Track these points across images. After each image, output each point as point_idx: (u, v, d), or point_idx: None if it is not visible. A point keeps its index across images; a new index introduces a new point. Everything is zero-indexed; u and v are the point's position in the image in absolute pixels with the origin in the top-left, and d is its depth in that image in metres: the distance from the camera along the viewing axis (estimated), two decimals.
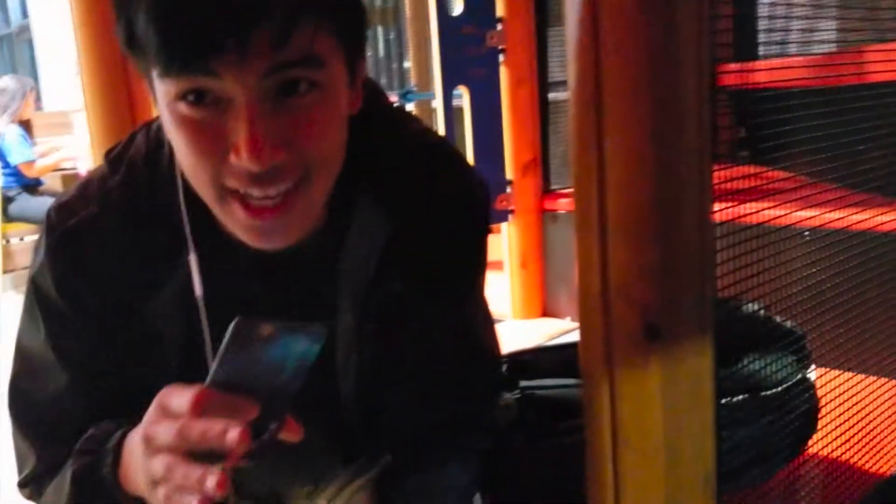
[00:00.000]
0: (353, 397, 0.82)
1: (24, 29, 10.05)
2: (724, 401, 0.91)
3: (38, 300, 0.77)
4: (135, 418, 0.66)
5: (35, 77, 9.34)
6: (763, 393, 0.95)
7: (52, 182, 4.90)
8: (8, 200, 4.46)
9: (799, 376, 1.01)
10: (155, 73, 0.63)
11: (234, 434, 0.57)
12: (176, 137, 0.66)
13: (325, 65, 0.65)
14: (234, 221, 0.68)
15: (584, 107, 0.63)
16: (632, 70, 0.61)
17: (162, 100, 0.65)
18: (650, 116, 0.61)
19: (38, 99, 8.46)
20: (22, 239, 5.08)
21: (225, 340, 0.59)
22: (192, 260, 0.71)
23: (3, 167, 4.44)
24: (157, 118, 0.75)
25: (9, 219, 4.50)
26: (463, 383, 0.84)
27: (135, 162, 0.76)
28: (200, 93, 0.63)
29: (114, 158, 0.78)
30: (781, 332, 0.99)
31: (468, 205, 0.82)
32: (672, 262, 0.62)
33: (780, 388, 0.98)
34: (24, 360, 0.79)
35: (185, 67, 0.61)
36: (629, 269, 0.63)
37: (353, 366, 0.80)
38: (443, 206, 0.79)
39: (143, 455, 0.62)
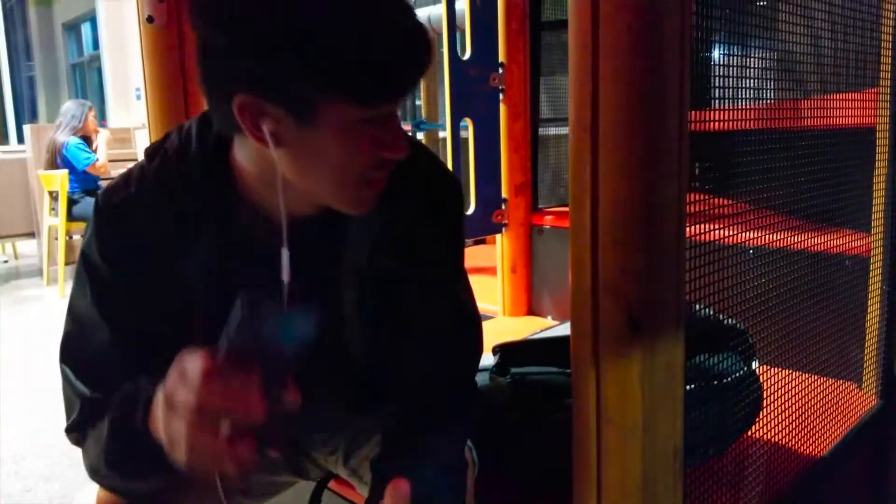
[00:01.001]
0: (361, 358, 0.85)
1: (95, 58, 10.06)
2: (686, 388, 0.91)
3: (86, 267, 0.79)
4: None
5: (102, 99, 9.36)
6: (715, 382, 0.95)
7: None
8: (72, 203, 4.48)
9: (745, 369, 1.01)
10: (346, 102, 0.66)
11: (252, 400, 0.58)
12: (342, 148, 0.69)
13: None
14: (357, 198, 0.74)
15: (582, 132, 0.63)
16: (625, 103, 0.61)
17: (335, 123, 0.67)
18: (639, 143, 0.61)
19: (103, 118, 8.50)
20: (82, 236, 5.07)
21: (232, 314, 0.59)
22: (284, 253, 0.71)
23: (71, 174, 4.46)
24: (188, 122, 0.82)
25: (73, 218, 4.51)
26: (455, 342, 0.85)
27: (168, 153, 0.79)
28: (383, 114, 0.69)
29: (150, 151, 0.81)
30: (731, 332, 0.99)
31: (451, 192, 0.87)
32: (653, 266, 0.62)
33: (729, 379, 0.98)
34: (74, 320, 0.81)
35: (395, 96, 0.69)
36: (616, 271, 0.63)
37: (358, 331, 0.83)
38: (430, 194, 0.84)
39: (163, 414, 0.63)
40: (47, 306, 4.32)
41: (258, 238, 0.78)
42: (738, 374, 0.99)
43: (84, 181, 4.57)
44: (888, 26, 1.20)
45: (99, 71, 9.63)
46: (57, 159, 4.50)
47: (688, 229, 0.79)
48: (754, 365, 1.04)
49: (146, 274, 0.77)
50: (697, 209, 0.86)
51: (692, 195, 0.83)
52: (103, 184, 4.77)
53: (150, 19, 1.23)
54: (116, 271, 0.78)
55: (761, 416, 1.04)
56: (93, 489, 0.85)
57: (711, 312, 0.99)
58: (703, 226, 0.86)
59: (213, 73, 0.68)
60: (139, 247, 0.77)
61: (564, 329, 0.77)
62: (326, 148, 0.69)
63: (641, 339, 0.62)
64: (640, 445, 0.62)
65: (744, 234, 0.97)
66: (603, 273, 0.63)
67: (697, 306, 0.97)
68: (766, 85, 1.05)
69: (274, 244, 0.71)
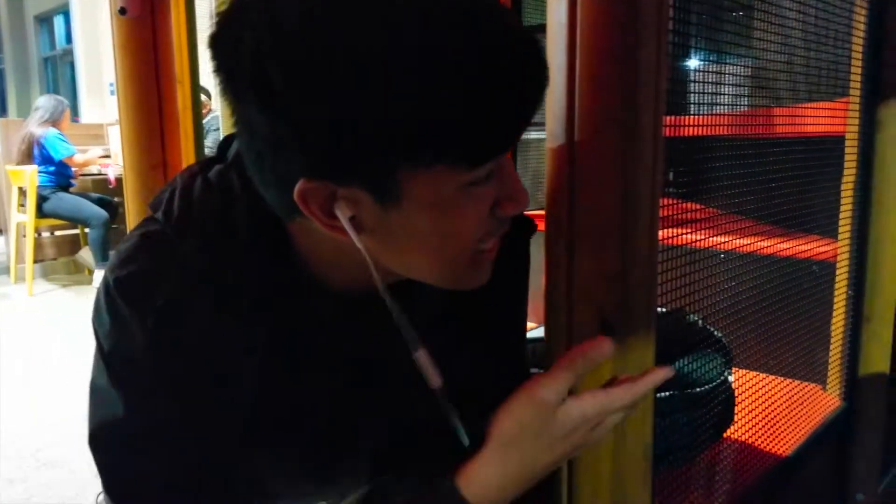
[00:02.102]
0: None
1: (68, 52, 9.90)
2: (659, 395, 0.93)
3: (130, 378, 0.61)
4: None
5: (75, 94, 9.21)
6: (691, 390, 0.96)
7: (83, 184, 4.85)
8: (43, 199, 4.40)
9: (721, 377, 1.03)
10: (450, 165, 0.51)
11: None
12: (446, 222, 0.55)
13: None
14: (471, 273, 0.60)
15: (558, 137, 0.64)
16: (601, 109, 0.62)
17: (431, 195, 0.52)
18: (614, 151, 0.63)
19: (75, 114, 8.36)
20: (52, 233, 5.00)
21: None
22: (423, 354, 0.57)
23: (43, 169, 4.39)
24: (196, 173, 0.64)
25: (42, 215, 4.44)
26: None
27: (207, 231, 0.61)
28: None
29: (177, 221, 0.62)
30: (711, 340, 1.01)
31: (519, 248, 0.78)
32: (626, 271, 0.63)
33: (706, 387, 1.00)
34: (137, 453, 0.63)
35: (509, 144, 0.55)
36: (589, 275, 0.64)
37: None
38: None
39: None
40: (14, 305, 4.25)
41: (326, 317, 0.65)
42: (713, 383, 1.01)
43: (59, 176, 4.50)
44: (858, 38, 1.23)
45: (72, 65, 9.49)
46: (34, 150, 4.43)
47: (661, 233, 0.81)
48: (729, 376, 1.06)
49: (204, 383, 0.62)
50: (671, 214, 0.87)
51: (666, 200, 0.85)
52: (77, 183, 4.71)
53: (122, 11, 1.19)
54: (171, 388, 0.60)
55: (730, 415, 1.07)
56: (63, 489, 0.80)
57: (694, 320, 1.01)
58: (675, 230, 0.88)
59: (265, 163, 0.54)
60: (199, 355, 0.61)
61: (539, 332, 0.78)
62: (423, 225, 0.54)
63: (614, 342, 0.63)
64: (611, 445, 0.63)
65: (716, 238, 0.99)
66: (577, 277, 0.64)
67: (681, 314, 0.99)
68: (740, 93, 1.07)
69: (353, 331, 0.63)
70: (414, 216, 0.53)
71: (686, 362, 0.94)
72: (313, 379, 0.66)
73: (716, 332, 1.01)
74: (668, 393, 0.94)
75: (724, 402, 1.02)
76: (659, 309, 0.99)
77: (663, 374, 0.60)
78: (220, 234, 0.61)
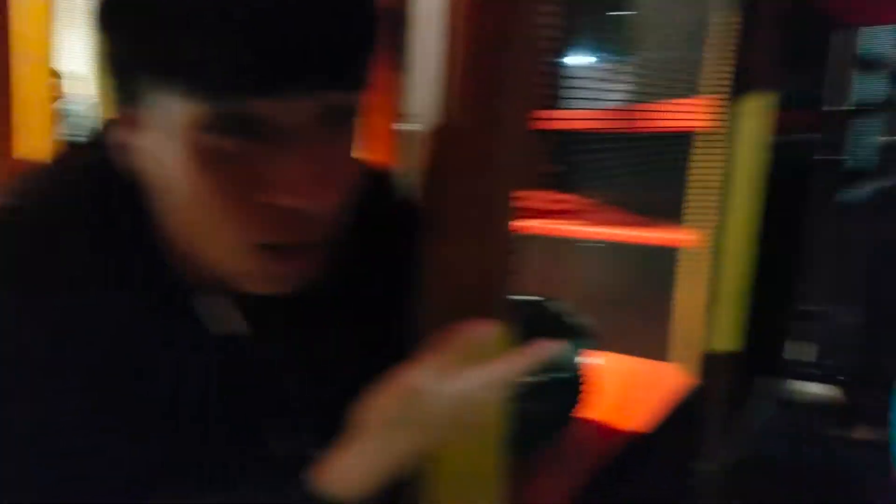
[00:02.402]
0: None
1: None
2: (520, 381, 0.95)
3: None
4: None
5: None
6: (552, 375, 1.00)
7: None
8: None
9: (581, 362, 1.07)
10: (185, 92, 0.44)
11: None
12: (188, 165, 0.46)
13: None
14: (255, 275, 0.52)
15: (426, 125, 0.64)
16: (468, 98, 0.62)
17: (176, 129, 0.45)
18: (479, 139, 0.63)
19: None
20: None
21: None
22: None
23: None
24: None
25: None
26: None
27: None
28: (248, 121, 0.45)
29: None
30: (573, 326, 1.04)
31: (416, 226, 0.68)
32: (486, 259, 0.64)
33: (566, 373, 1.03)
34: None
35: (242, 89, 0.44)
36: (455, 261, 0.64)
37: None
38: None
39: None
40: None
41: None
42: (573, 368, 1.05)
43: None
44: (716, 37, 1.30)
45: None
46: None
47: (531, 223, 0.83)
48: (589, 359, 1.11)
49: None
50: (540, 205, 0.90)
51: (538, 191, 0.87)
52: None
53: None
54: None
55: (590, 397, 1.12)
56: None
57: (556, 306, 1.04)
58: (547, 220, 0.90)
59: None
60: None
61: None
62: (163, 167, 0.47)
63: (481, 327, 0.63)
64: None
65: (585, 228, 1.03)
66: (442, 263, 0.64)
67: (542, 298, 1.02)
68: (615, 89, 1.11)
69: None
70: (156, 149, 0.47)
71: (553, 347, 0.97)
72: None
73: (577, 319, 1.05)
74: (529, 379, 0.97)
75: (583, 385, 1.06)
76: (523, 297, 1.02)
77: (536, 354, 0.60)
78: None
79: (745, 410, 1.97)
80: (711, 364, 1.46)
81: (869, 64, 2.19)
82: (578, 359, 1.05)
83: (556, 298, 0.97)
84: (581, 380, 1.06)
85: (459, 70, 0.62)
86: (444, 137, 0.64)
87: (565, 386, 1.02)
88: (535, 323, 0.96)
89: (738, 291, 1.43)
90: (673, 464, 1.47)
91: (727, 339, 1.45)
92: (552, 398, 1.00)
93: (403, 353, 0.61)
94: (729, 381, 1.48)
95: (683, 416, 1.44)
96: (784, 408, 2.25)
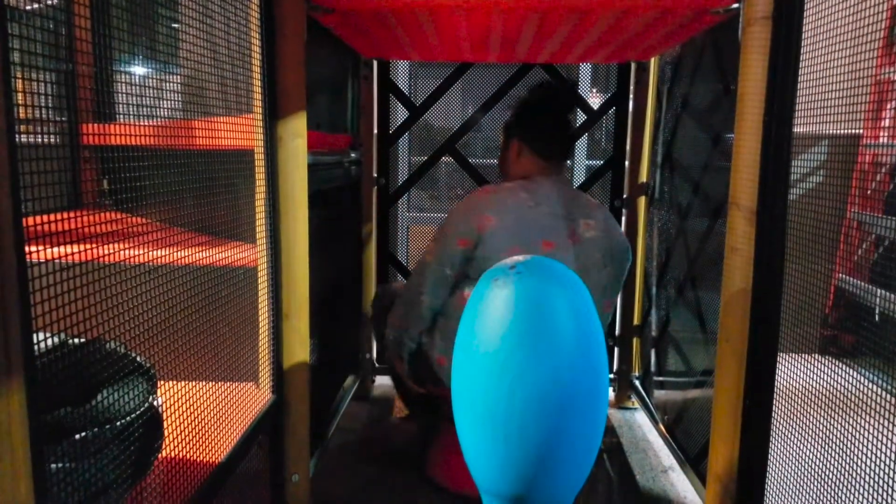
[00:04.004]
0: None
1: None
2: (78, 436, 0.84)
3: None
4: None
5: None
6: (115, 423, 0.90)
7: None
8: None
9: (147, 402, 1.00)
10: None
11: None
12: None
13: None
14: None
15: None
16: None
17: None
18: None
19: None
20: None
21: None
22: None
23: None
24: None
25: None
26: None
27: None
28: None
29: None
30: (134, 366, 0.96)
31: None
32: None
33: (131, 417, 0.94)
34: None
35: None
36: None
37: None
38: None
39: None
40: None
41: None
42: (137, 410, 0.97)
43: None
44: (256, 60, 1.34)
45: None
46: None
47: (70, 248, 0.73)
48: (154, 398, 1.03)
49: None
50: (106, 229, 0.80)
51: (97, 214, 0.77)
52: None
53: None
54: None
55: (166, 437, 1.04)
56: None
57: (114, 346, 0.94)
58: (89, 245, 0.81)
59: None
60: None
61: None
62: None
63: None
64: None
65: (141, 252, 0.95)
66: None
67: (97, 341, 0.90)
68: (166, 104, 1.05)
69: None
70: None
71: (107, 394, 0.88)
72: None
73: (137, 357, 0.97)
74: (87, 433, 0.86)
75: (153, 424, 0.99)
76: (73, 340, 0.90)
77: None
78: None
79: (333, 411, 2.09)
80: (288, 377, 1.50)
81: (399, 94, 2.53)
82: (141, 400, 0.98)
83: (113, 337, 0.88)
84: (153, 420, 0.98)
85: None
86: None
87: (137, 429, 0.93)
88: (91, 366, 0.85)
89: (305, 304, 1.50)
90: (259, 480, 1.47)
91: (299, 351, 1.51)
92: (127, 444, 0.90)
93: None
94: (304, 393, 1.54)
95: (266, 432, 1.46)
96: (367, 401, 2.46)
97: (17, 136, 0.56)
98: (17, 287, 0.52)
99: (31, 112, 0.77)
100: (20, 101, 0.70)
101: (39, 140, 0.82)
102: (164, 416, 1.04)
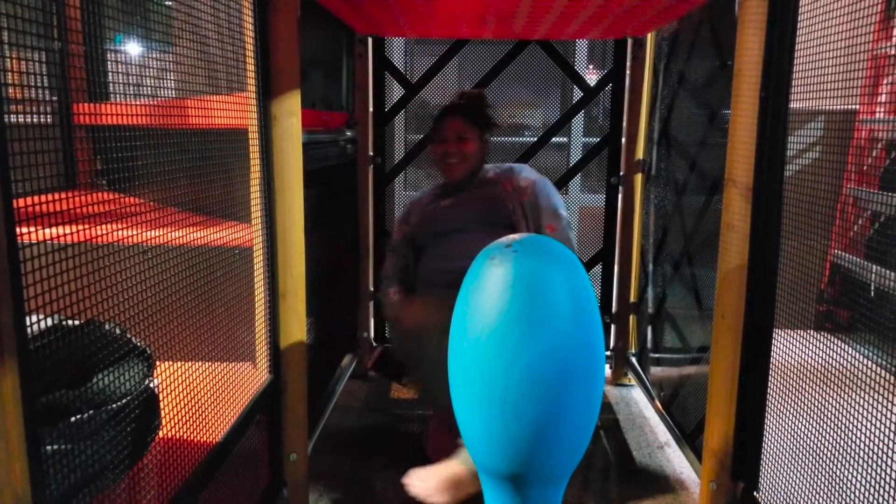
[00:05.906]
0: None
1: None
2: (74, 418, 0.84)
3: None
4: None
5: None
6: (111, 405, 0.90)
7: None
8: None
9: (144, 384, 0.99)
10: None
11: None
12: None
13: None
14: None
15: None
16: None
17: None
18: None
19: None
20: None
21: None
22: None
23: None
24: None
25: None
26: None
27: None
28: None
29: None
30: (130, 348, 0.95)
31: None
32: None
33: (126, 399, 0.94)
34: None
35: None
36: None
37: None
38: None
39: None
40: None
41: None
42: (133, 392, 0.96)
43: None
44: (249, 39, 1.32)
45: None
46: None
47: (70, 229, 0.72)
48: (151, 380, 1.03)
49: None
50: (101, 209, 0.79)
51: (92, 195, 0.76)
52: None
53: None
54: None
55: (163, 416, 1.04)
56: None
57: (111, 328, 0.93)
58: (85, 225, 0.80)
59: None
60: None
61: None
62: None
63: None
64: None
65: (138, 233, 0.94)
66: None
67: (93, 322, 0.90)
68: (160, 83, 1.04)
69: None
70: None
71: (104, 376, 0.87)
72: None
73: (133, 339, 0.97)
74: (86, 414, 0.86)
75: (150, 406, 0.99)
76: (68, 322, 0.89)
77: None
78: None
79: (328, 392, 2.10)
80: (285, 357, 1.50)
81: (394, 71, 2.50)
82: (143, 380, 0.97)
83: (111, 318, 0.87)
84: (150, 402, 0.98)
85: None
86: None
87: (134, 411, 0.93)
88: (87, 348, 0.85)
89: (302, 284, 1.50)
90: (258, 459, 1.48)
91: (296, 330, 1.51)
92: (123, 426, 0.90)
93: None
94: (302, 372, 1.54)
95: (264, 412, 1.46)
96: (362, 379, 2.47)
97: (4, 115, 0.55)
98: (7, 268, 0.52)
99: (22, 92, 0.76)
100: (11, 81, 0.69)
101: (30, 120, 0.81)
102: (161, 398, 1.03)
